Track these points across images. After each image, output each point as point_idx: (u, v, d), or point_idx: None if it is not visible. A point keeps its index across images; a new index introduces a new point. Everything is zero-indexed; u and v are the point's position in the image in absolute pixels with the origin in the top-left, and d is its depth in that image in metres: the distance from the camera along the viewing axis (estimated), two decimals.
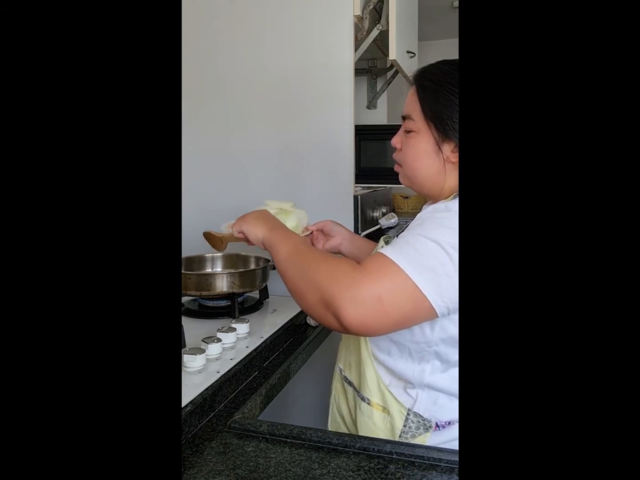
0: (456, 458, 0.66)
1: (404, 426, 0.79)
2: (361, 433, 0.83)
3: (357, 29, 1.39)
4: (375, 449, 0.68)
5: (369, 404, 0.83)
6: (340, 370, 0.92)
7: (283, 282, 0.78)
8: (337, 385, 0.94)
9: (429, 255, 0.66)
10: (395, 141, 0.86)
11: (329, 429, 0.96)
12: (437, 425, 0.79)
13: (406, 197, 2.74)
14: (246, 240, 0.93)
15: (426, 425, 0.79)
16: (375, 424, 0.81)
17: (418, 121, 0.80)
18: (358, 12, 1.35)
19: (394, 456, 0.68)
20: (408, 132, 0.82)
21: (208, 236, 1.08)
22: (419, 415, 0.79)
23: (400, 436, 0.79)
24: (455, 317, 0.72)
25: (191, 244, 1.32)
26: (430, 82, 0.79)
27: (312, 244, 1.12)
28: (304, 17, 1.37)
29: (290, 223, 1.08)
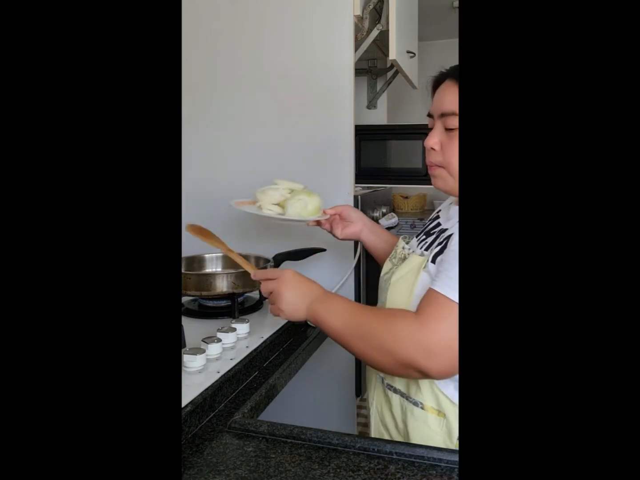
0: (456, 458, 0.66)
1: None
2: (414, 439, 0.80)
3: (357, 29, 1.39)
4: (375, 449, 0.68)
5: (422, 408, 0.80)
6: (382, 379, 0.89)
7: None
8: (378, 395, 0.92)
9: None
10: (433, 142, 0.80)
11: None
12: None
13: (406, 197, 2.75)
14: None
15: None
16: (431, 428, 0.79)
17: None
18: (358, 12, 1.35)
19: (394, 456, 0.68)
20: (450, 130, 0.78)
21: (196, 229, 1.02)
22: None
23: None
24: None
25: (191, 244, 1.32)
26: None
27: (331, 229, 1.10)
28: (304, 17, 1.37)
29: (313, 204, 1.04)
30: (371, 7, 1.41)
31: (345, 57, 1.34)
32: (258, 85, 1.44)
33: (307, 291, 0.83)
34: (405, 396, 0.84)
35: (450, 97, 0.77)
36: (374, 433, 0.93)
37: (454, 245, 0.74)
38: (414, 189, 2.73)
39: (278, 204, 1.06)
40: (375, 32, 1.51)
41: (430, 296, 0.71)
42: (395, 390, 0.86)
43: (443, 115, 0.78)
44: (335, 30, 1.34)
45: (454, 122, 0.76)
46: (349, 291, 1.42)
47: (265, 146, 1.45)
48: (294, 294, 0.83)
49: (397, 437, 0.87)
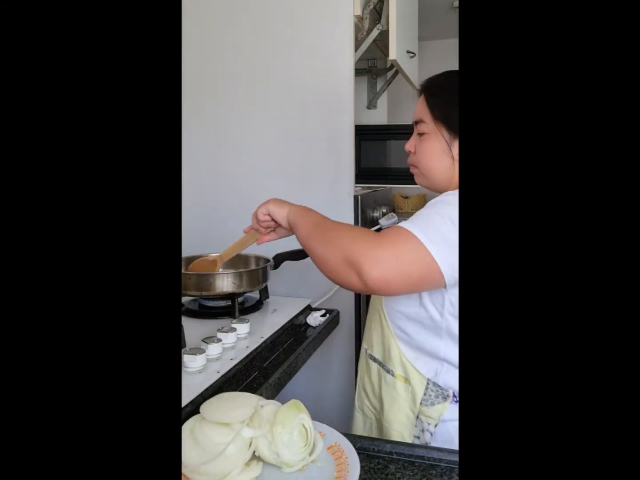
0: (456, 458, 0.66)
1: (425, 394, 0.88)
2: (385, 402, 0.93)
3: (357, 29, 1.39)
4: (375, 449, 0.68)
5: (393, 375, 0.92)
6: (365, 350, 1.01)
7: (307, 252, 0.85)
8: (362, 364, 1.03)
9: (441, 228, 0.74)
10: (409, 145, 0.94)
11: (356, 404, 1.04)
12: (454, 396, 0.86)
13: (406, 197, 2.74)
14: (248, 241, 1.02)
15: (444, 394, 0.86)
16: (398, 393, 0.91)
17: (429, 123, 0.89)
18: (358, 12, 1.35)
19: (394, 456, 0.68)
20: (421, 134, 0.91)
21: (197, 266, 1.13)
22: (438, 385, 0.87)
23: (420, 403, 0.88)
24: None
25: (191, 244, 1.32)
26: (438, 89, 0.90)
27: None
28: (304, 17, 1.37)
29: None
30: (371, 7, 1.41)
31: (345, 57, 1.34)
32: (258, 86, 1.44)
33: (289, 203, 0.96)
34: (382, 365, 0.96)
35: (419, 106, 0.92)
36: (357, 396, 1.05)
37: (425, 207, 0.82)
38: (414, 189, 2.73)
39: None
40: (375, 32, 1.51)
41: (393, 227, 0.79)
42: (375, 360, 0.98)
43: (416, 122, 0.92)
44: (335, 30, 1.34)
45: (421, 128, 0.91)
46: (349, 291, 1.42)
47: (264, 146, 1.45)
48: (278, 200, 0.98)
49: (373, 399, 0.99)
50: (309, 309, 1.30)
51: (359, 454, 0.67)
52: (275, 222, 0.97)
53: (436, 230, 0.74)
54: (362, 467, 0.65)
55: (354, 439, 0.71)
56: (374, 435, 0.99)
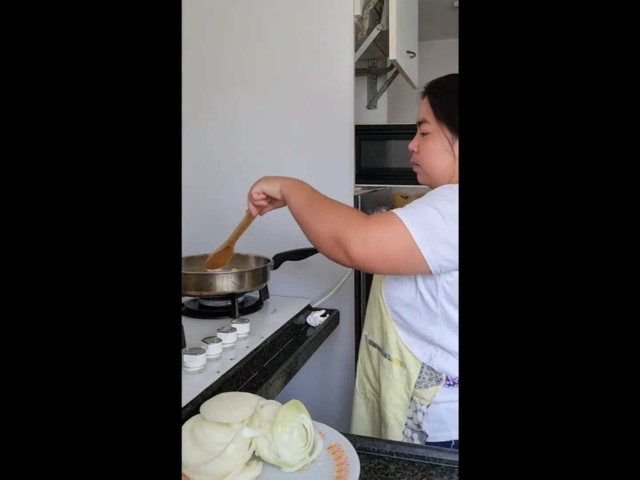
0: (456, 458, 0.66)
1: (419, 377, 0.91)
2: (383, 385, 0.97)
3: (357, 29, 1.39)
4: (375, 449, 0.68)
5: (389, 359, 0.96)
6: (366, 337, 1.05)
7: (298, 224, 0.89)
8: (363, 351, 1.07)
9: (429, 217, 0.78)
10: (413, 145, 0.99)
11: (357, 389, 1.08)
12: (447, 379, 0.90)
13: (406, 197, 2.74)
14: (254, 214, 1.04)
15: (437, 377, 0.90)
16: (394, 376, 0.95)
17: (432, 123, 0.93)
18: (358, 12, 1.35)
19: (394, 456, 0.68)
20: (424, 134, 0.95)
21: (213, 262, 1.15)
22: (432, 369, 0.91)
23: (415, 386, 0.92)
24: (452, 280, 0.83)
25: (191, 244, 1.32)
26: (440, 91, 0.93)
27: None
28: (304, 17, 1.37)
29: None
30: (371, 7, 1.41)
31: (345, 57, 1.34)
32: (258, 86, 1.44)
33: (282, 177, 0.99)
34: (380, 350, 0.99)
35: (422, 108, 0.96)
36: (358, 382, 1.08)
37: (421, 197, 0.86)
38: (414, 189, 2.72)
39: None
40: (375, 32, 1.51)
41: (385, 212, 0.84)
42: (375, 345, 1.01)
43: (419, 123, 0.96)
44: (335, 30, 1.35)
45: (424, 127, 0.94)
46: (349, 291, 1.42)
47: (265, 146, 1.45)
48: (270, 176, 1.01)
49: (374, 382, 1.03)
50: (309, 309, 1.30)
51: (359, 454, 0.67)
52: (270, 197, 1.00)
53: (424, 219, 0.78)
54: (362, 467, 0.65)
55: (354, 439, 0.71)
56: (375, 418, 1.03)
